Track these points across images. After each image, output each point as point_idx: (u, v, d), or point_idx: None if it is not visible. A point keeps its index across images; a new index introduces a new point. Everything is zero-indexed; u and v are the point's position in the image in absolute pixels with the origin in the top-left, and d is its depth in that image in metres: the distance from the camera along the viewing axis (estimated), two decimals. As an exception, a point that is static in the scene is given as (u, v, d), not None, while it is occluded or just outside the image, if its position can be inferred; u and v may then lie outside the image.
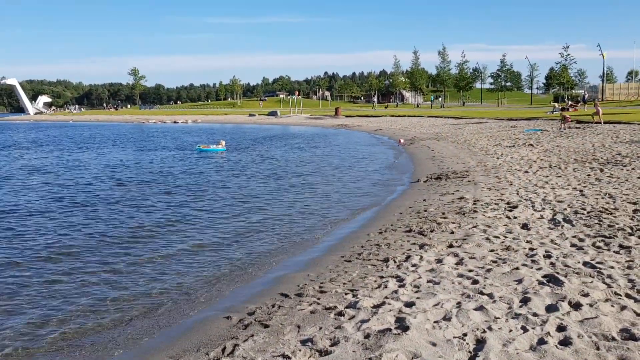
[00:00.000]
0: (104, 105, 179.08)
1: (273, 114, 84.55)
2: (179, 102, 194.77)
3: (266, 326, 5.40)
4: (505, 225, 8.78)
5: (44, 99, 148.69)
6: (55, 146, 35.68)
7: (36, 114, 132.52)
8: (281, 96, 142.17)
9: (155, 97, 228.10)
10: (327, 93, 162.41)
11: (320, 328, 5.11)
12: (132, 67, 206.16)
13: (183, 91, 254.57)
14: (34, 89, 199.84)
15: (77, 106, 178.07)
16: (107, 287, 7.32)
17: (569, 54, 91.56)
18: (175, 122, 79.22)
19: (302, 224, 11.06)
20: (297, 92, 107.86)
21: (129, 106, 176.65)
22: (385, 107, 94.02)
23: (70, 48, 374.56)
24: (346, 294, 6.12)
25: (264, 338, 5.06)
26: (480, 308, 5.13)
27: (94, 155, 28.65)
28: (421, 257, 7.29)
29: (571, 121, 30.26)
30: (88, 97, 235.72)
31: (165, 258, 8.66)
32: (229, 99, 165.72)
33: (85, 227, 10.97)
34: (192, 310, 6.49)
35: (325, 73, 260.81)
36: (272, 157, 25.54)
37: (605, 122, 28.94)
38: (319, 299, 6.08)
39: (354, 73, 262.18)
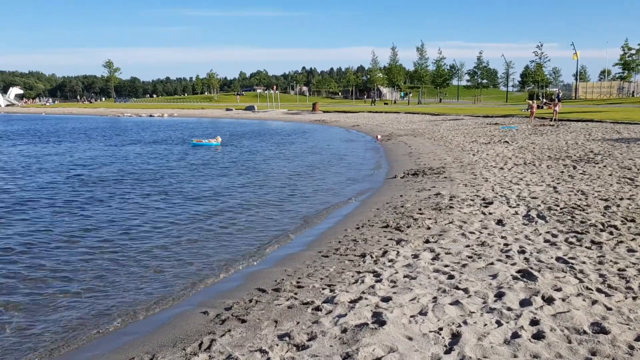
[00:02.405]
0: (78, 97, 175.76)
1: (250, 108, 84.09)
2: (154, 96, 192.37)
3: (243, 321, 5.38)
4: (480, 221, 8.90)
5: (15, 90, 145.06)
6: (30, 139, 34.90)
7: (7, 105, 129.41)
8: (258, 91, 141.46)
9: (131, 90, 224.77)
10: (304, 88, 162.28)
11: (298, 323, 5.11)
12: (106, 59, 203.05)
13: (159, 84, 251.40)
14: (5, 80, 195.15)
15: (50, 98, 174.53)
16: (82, 283, 7.21)
17: (543, 53, 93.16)
18: (151, 115, 78.20)
19: (280, 220, 11.04)
20: (274, 87, 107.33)
21: (103, 99, 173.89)
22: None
23: (43, 38, 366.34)
24: (323, 289, 6.14)
25: (241, 333, 5.04)
26: (456, 303, 5.20)
27: (67, 149, 28.12)
28: (398, 252, 7.34)
29: (536, 110, 31.60)
30: (61, 89, 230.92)
31: (143, 253, 8.56)
32: (206, 93, 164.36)
33: (70, 220, 10.79)
34: (168, 305, 6.43)
35: (303, 68, 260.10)
36: (253, 152, 25.42)
37: (577, 120, 29.51)
38: (296, 294, 6.08)
39: (331, 68, 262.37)
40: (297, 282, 6.58)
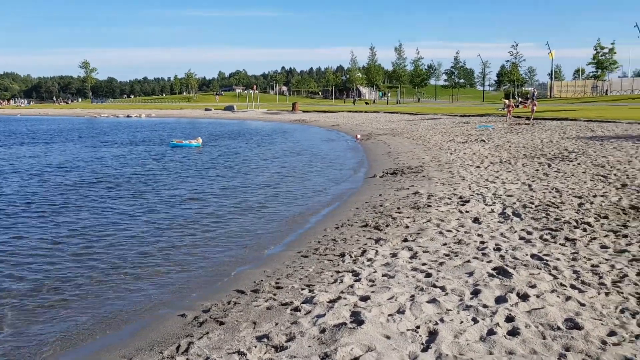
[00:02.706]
0: (54, 98, 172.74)
1: (229, 108, 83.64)
2: (132, 96, 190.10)
3: (221, 323, 5.36)
4: (457, 219, 8.99)
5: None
6: (3, 141, 34.20)
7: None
8: (238, 91, 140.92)
9: (108, 90, 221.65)
10: (284, 88, 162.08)
11: (276, 324, 5.11)
12: (83, 59, 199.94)
13: (137, 85, 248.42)
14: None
15: (24, 100, 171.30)
16: (57, 288, 7.10)
17: (518, 52, 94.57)
18: (128, 116, 77.28)
19: (260, 220, 11.01)
20: (254, 87, 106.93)
21: (80, 100, 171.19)
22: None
23: (18, 39, 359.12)
24: (302, 289, 6.15)
25: (219, 335, 5.02)
26: (433, 301, 5.25)
27: (42, 151, 27.63)
28: (377, 251, 7.39)
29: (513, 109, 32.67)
30: (37, 90, 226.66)
31: (121, 259, 8.45)
32: (185, 93, 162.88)
33: (43, 226, 10.61)
34: (146, 308, 6.37)
35: (283, 68, 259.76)
36: (233, 153, 25.29)
37: (552, 119, 29.99)
38: (275, 295, 6.08)
39: (311, 68, 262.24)
40: (276, 283, 6.57)
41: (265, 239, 9.49)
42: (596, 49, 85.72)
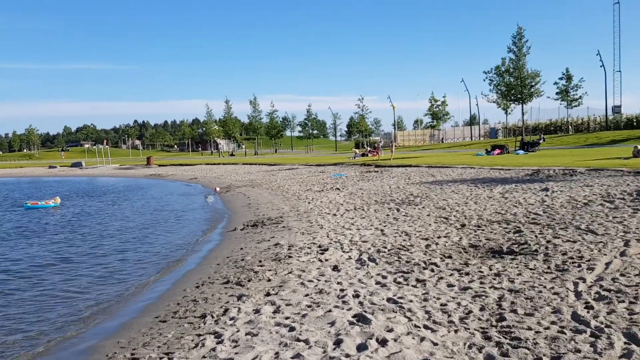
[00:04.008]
0: None
1: (77, 165, 78.26)
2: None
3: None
4: (318, 268, 9.16)
5: None
6: None
7: None
8: (86, 146, 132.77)
9: None
10: (137, 142, 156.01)
11: (132, 401, 4.70)
12: None
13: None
14: None
15: None
16: None
17: (364, 105, 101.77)
18: (-46, 177, 68.58)
19: (112, 286, 10.23)
20: (105, 141, 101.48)
21: None
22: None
23: None
24: (161, 358, 5.76)
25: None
26: (297, 356, 5.22)
27: None
28: (239, 309, 7.21)
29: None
30: None
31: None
32: (25, 150, 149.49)
33: None
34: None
35: (135, 121, 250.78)
36: (83, 213, 23.43)
37: (398, 166, 32.40)
38: (130, 368, 5.61)
39: (165, 121, 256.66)
40: (132, 354, 6.09)
41: (118, 305, 8.82)
42: (430, 102, 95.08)
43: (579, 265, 7.85)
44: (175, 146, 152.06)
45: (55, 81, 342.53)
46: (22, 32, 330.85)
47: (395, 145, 39.46)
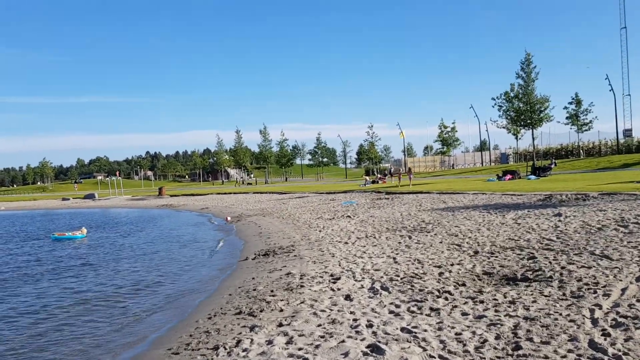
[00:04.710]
0: None
1: (90, 196, 79.04)
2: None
3: None
4: (330, 297, 9.11)
5: None
6: None
7: None
8: (99, 178, 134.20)
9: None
10: (149, 173, 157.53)
11: None
12: None
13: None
14: None
15: None
16: None
17: (374, 132, 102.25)
18: (-31, 210, 69.41)
19: (124, 317, 10.23)
20: (117, 173, 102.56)
21: None
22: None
23: None
24: (174, 391, 5.73)
25: None
26: (311, 387, 5.17)
27: None
28: (252, 340, 7.17)
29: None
30: None
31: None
32: (39, 183, 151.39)
33: None
34: None
35: (147, 152, 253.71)
36: (93, 246, 23.58)
37: (408, 192, 32.35)
38: (143, 401, 5.59)
39: (177, 152, 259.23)
40: (145, 388, 6.06)
41: (131, 337, 8.81)
42: (440, 128, 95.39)
43: (595, 292, 7.75)
44: (187, 176, 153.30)
45: (68, 114, 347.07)
46: (34, 67, 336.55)
47: (413, 172, 41.06)
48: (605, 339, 5.84)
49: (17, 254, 21.32)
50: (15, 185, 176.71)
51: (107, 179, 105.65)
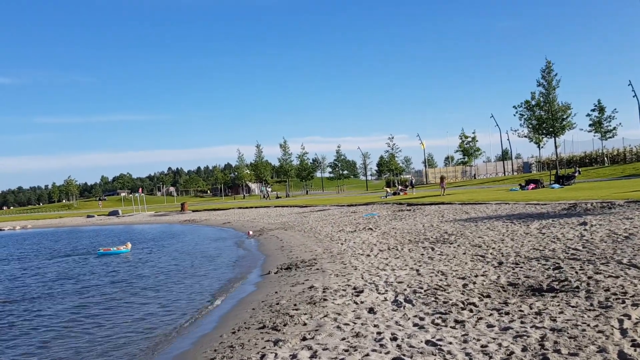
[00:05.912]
0: None
1: (114, 213, 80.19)
2: (4, 208, 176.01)
3: None
4: (353, 311, 9.09)
5: None
6: None
7: None
8: (123, 194, 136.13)
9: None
10: (172, 189, 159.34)
11: None
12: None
13: (10, 195, 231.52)
14: None
15: None
16: None
17: (394, 144, 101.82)
18: (0, 229, 70.90)
19: (150, 331, 10.33)
20: (140, 189, 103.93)
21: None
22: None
23: None
24: (200, 406, 5.77)
25: None
26: (336, 401, 5.16)
27: None
28: (276, 354, 7.19)
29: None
30: None
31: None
32: (64, 201, 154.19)
33: None
34: None
35: (169, 169, 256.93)
36: (108, 263, 23.90)
37: (430, 204, 32.13)
38: (170, 416, 5.63)
39: (198, 167, 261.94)
40: (171, 402, 6.12)
41: (155, 352, 8.89)
42: (461, 138, 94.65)
43: (623, 302, 7.60)
44: (209, 191, 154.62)
45: (91, 133, 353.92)
46: (59, 88, 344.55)
47: (446, 181, 41.44)
48: (635, 350, 5.73)
49: (70, 267, 21.90)
50: (41, 204, 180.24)
51: (130, 195, 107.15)
